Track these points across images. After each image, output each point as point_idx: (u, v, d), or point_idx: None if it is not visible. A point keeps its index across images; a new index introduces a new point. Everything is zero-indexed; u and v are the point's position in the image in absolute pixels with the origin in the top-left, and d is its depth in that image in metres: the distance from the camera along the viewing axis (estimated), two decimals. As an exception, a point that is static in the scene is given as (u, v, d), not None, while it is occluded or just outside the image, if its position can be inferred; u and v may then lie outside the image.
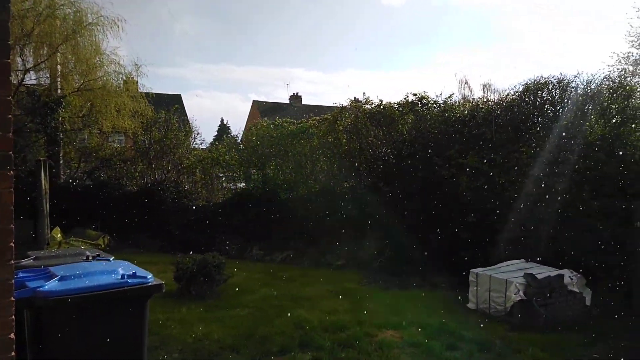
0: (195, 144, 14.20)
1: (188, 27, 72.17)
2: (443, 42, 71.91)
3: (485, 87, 20.69)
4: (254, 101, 38.05)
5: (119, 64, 13.21)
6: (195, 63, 76.23)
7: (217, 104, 71.19)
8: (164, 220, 11.42)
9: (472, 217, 8.04)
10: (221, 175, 13.29)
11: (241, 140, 14.38)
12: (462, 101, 11.57)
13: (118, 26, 12.76)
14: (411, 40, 72.31)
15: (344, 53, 76.20)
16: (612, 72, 20.65)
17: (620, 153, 7.00)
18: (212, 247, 9.17)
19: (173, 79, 68.85)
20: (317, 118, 11.92)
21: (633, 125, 7.46)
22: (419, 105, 10.21)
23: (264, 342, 5.15)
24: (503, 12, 66.57)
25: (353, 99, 11.94)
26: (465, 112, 9.05)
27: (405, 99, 10.34)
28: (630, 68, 21.42)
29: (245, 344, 5.11)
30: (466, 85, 21.97)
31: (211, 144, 16.14)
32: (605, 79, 7.85)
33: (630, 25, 24.11)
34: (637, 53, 21.41)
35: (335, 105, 12.17)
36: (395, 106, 10.46)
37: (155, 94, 14.22)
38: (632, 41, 21.56)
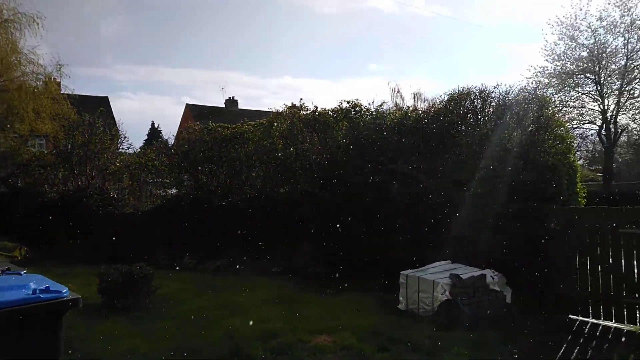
0: (122, 148, 13.54)
1: (115, 27, 69.02)
2: (376, 52, 74.18)
3: (416, 96, 21.61)
4: (187, 104, 37.04)
5: (38, 63, 12.38)
6: (124, 64, 73.00)
7: (147, 107, 68.67)
8: (88, 230, 10.77)
9: (402, 221, 8.30)
10: (150, 181, 12.77)
11: (173, 144, 13.91)
12: (394, 109, 11.95)
13: (37, 24, 11.97)
14: (346, 49, 73.91)
15: (281, 59, 76.39)
16: (529, 83, 22.42)
17: (535, 159, 7.54)
18: (141, 258, 8.77)
19: (99, 80, 65.61)
20: (253, 123, 11.80)
21: (547, 133, 8.06)
22: (353, 113, 10.42)
23: (192, 355, 4.98)
24: (435, 25, 69.80)
25: (290, 105, 11.99)
26: (396, 120, 9.34)
27: (339, 106, 10.53)
28: (545, 80, 23.34)
29: (173, 357, 4.92)
30: (398, 94, 22.81)
31: (141, 148, 15.49)
32: (521, 90, 8.46)
33: (546, 41, 26.32)
34: (551, 66, 23.37)
35: (271, 110, 12.16)
36: (329, 113, 10.61)
37: (79, 95, 13.45)
38: (546, 55, 23.55)
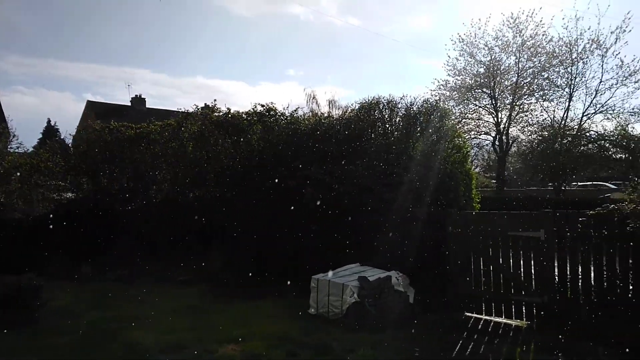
0: (11, 147, 12.22)
1: (6, 15, 62.38)
2: (294, 57, 74.79)
3: (331, 103, 22.06)
4: (88, 101, 34.41)
5: None
6: (17, 56, 66.08)
7: (43, 103, 62.81)
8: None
9: (315, 226, 8.40)
10: (43, 184, 11.64)
11: (71, 144, 12.83)
12: (309, 115, 12.09)
13: None
14: (263, 52, 73.63)
15: (194, 58, 74.06)
16: (432, 96, 23.98)
17: (436, 167, 8.04)
18: (32, 267, 7.94)
19: (-13, 72, 58.75)
20: (160, 123, 11.24)
21: (446, 143, 8.64)
22: (267, 117, 10.34)
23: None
24: (348, 34, 71.95)
25: (203, 105, 11.61)
26: (310, 126, 9.45)
27: (253, 109, 10.39)
28: (447, 93, 25.09)
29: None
30: (314, 100, 23.13)
31: (34, 148, 14.09)
32: (425, 102, 8.98)
33: (448, 56, 28.35)
34: (452, 80, 25.17)
35: (180, 110, 11.69)
36: (243, 116, 10.43)
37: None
38: (449, 70, 25.34)
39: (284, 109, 10.44)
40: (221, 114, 10.62)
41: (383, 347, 5.43)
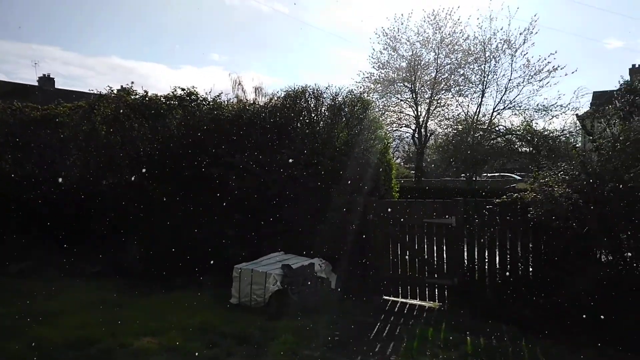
0: None
1: None
2: (219, 41, 72.62)
3: (257, 90, 21.74)
4: (-13, 80, 31.03)
5: None
6: None
7: None
8: None
9: (239, 215, 8.27)
10: None
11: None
12: (235, 101, 11.79)
13: None
14: (185, 34, 70.61)
15: (109, 36, 69.38)
16: (357, 87, 24.48)
17: (359, 157, 8.24)
18: None
19: None
20: (70, 105, 10.40)
21: (369, 134, 8.86)
22: (188, 101, 9.95)
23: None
24: (275, 22, 71.13)
25: (120, 88, 10.92)
26: (234, 112, 9.24)
27: (173, 92, 9.93)
28: (372, 86, 25.75)
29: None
30: (240, 87, 22.64)
31: None
32: (349, 93, 9.13)
33: (373, 49, 29.01)
34: (377, 73, 25.86)
35: (92, 92, 10.91)
36: (162, 100, 9.95)
37: None
38: (373, 63, 25.99)
39: (206, 93, 10.11)
40: (138, 97, 10.05)
41: (305, 333, 5.51)
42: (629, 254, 5.64)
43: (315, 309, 6.38)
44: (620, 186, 5.43)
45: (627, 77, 23.43)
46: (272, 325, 5.75)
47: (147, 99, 9.84)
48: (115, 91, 10.76)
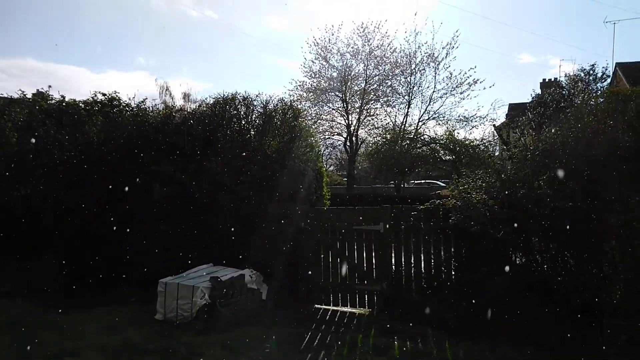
0: None
1: None
2: (144, 46, 69.95)
3: (186, 96, 21.12)
4: None
5: None
6: None
7: None
8: None
9: (165, 226, 7.93)
10: None
11: None
12: (162, 107, 11.35)
13: None
14: (108, 37, 67.12)
15: (23, 37, 64.48)
16: (290, 95, 24.58)
17: (290, 165, 8.24)
18: None
19: None
20: (-27, 110, 9.48)
21: (300, 142, 8.89)
22: (110, 107, 9.45)
23: None
24: (204, 27, 69.80)
25: (35, 92, 10.17)
26: (159, 119, 8.89)
27: (93, 98, 9.39)
28: (304, 94, 25.97)
29: None
30: (167, 92, 21.88)
31: None
32: (280, 101, 9.12)
33: (305, 58, 29.30)
34: (309, 82, 26.13)
35: (3, 96, 10.05)
36: (81, 105, 9.37)
37: None
38: (305, 72, 26.24)
39: (130, 99, 9.66)
40: (54, 102, 9.40)
41: (234, 347, 5.37)
42: (539, 257, 6.09)
43: (245, 322, 6.25)
44: (531, 192, 5.86)
45: (539, 90, 25.60)
46: (199, 341, 5.54)
47: (64, 104, 9.23)
48: (29, 95, 10.01)
